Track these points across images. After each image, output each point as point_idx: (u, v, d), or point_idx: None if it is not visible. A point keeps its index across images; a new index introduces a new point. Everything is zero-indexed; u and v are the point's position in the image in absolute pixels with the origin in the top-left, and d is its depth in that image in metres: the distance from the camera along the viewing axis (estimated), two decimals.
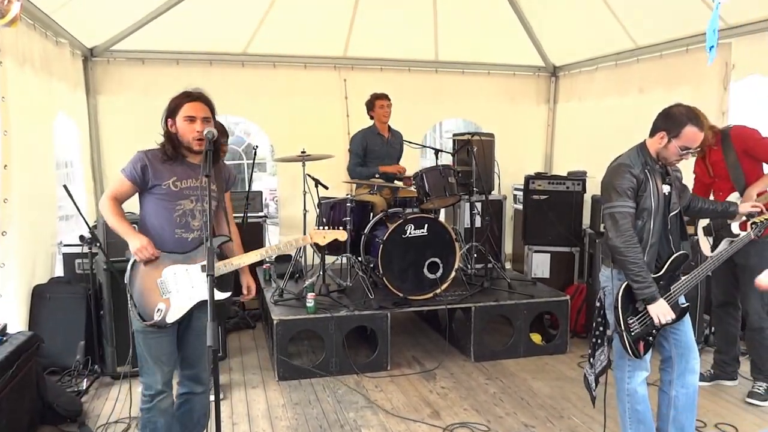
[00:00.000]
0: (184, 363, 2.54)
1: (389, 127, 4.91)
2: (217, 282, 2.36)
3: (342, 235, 2.59)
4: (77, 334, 3.75)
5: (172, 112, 2.38)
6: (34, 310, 3.71)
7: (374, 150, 4.81)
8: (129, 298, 2.41)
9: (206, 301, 2.30)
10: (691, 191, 2.88)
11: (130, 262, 2.41)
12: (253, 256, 2.47)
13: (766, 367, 3.45)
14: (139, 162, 2.37)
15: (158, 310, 2.36)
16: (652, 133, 2.54)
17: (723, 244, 3.39)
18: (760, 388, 3.45)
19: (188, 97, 2.38)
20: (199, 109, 2.37)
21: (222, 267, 2.40)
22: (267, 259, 5.29)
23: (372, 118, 4.87)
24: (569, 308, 4.37)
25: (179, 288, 2.38)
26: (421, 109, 5.86)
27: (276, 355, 3.82)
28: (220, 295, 2.39)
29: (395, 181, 4.71)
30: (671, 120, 2.46)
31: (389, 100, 4.81)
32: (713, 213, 2.93)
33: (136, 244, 2.33)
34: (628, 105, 5.23)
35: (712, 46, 2.32)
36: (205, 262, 2.32)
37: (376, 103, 4.81)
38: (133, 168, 2.37)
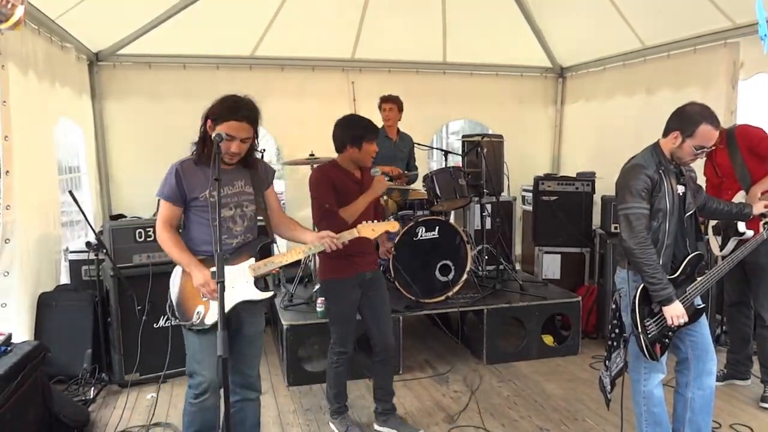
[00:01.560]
0: (235, 370, 2.48)
1: (398, 130, 4.86)
2: (257, 282, 2.36)
3: (393, 226, 2.65)
4: (84, 342, 3.69)
5: (215, 117, 2.26)
6: (39, 318, 3.66)
7: (380, 152, 4.76)
8: (168, 300, 2.40)
9: (250, 301, 2.36)
10: (705, 192, 2.84)
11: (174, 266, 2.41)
12: (295, 255, 2.42)
13: None
14: (172, 178, 2.31)
15: (197, 312, 2.34)
16: (666, 133, 2.50)
17: (730, 244, 3.36)
18: None
19: (236, 115, 2.23)
20: (242, 130, 2.25)
21: (262, 266, 2.37)
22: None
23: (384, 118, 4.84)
24: (581, 309, 4.32)
25: None
26: (429, 110, 5.83)
27: (286, 361, 3.77)
28: (261, 295, 2.38)
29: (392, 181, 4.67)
30: (685, 119, 2.42)
31: (394, 103, 4.76)
32: (728, 215, 2.88)
33: (199, 279, 2.28)
34: (635, 105, 5.20)
35: (766, 34, 2.26)
36: (249, 262, 2.35)
37: (382, 105, 4.79)
38: (168, 187, 2.32)
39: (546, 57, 6.08)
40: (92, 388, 3.57)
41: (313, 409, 3.47)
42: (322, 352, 4.34)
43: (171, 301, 2.39)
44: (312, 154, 4.26)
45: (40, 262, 3.73)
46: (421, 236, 4.06)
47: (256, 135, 2.36)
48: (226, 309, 2.30)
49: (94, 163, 4.98)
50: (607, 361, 2.66)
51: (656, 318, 2.48)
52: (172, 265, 2.44)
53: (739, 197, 3.36)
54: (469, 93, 5.98)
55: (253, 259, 2.37)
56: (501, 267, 4.60)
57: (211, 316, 2.33)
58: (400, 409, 3.45)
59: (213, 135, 2.21)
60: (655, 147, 2.53)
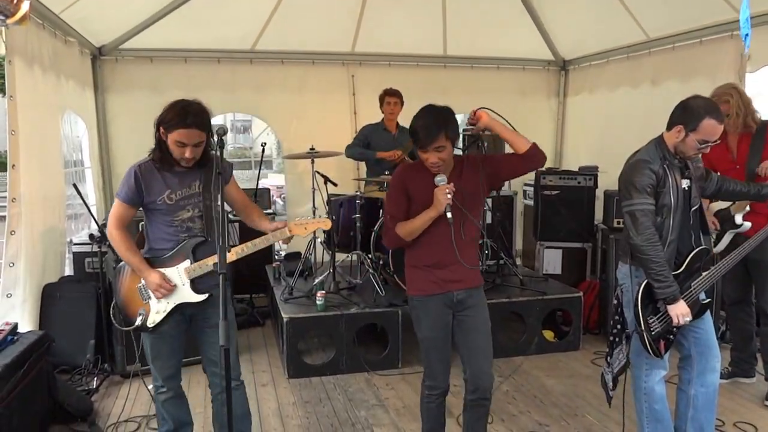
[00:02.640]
0: (209, 362, 2.53)
1: (398, 123, 4.87)
2: (193, 284, 2.40)
3: (326, 224, 2.49)
4: (87, 333, 3.74)
5: (166, 125, 2.28)
6: (44, 309, 3.71)
7: (380, 145, 4.79)
8: (114, 305, 2.47)
9: (189, 303, 2.40)
10: (717, 175, 2.75)
11: (116, 268, 2.45)
12: (230, 256, 2.39)
13: None
14: (131, 180, 2.35)
15: (140, 314, 2.41)
16: (669, 127, 2.45)
17: (726, 238, 3.32)
18: None
19: (184, 122, 2.24)
20: (192, 136, 2.26)
21: (196, 269, 2.40)
22: (276, 257, 5.28)
23: (383, 111, 4.85)
24: (582, 305, 4.32)
25: None
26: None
27: (286, 353, 3.80)
28: (196, 297, 2.41)
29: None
30: (689, 113, 2.37)
31: (397, 97, 4.78)
32: (746, 195, 2.77)
33: (155, 280, 2.35)
34: (640, 98, 5.15)
35: (747, 34, 2.26)
36: (184, 265, 2.38)
37: (384, 99, 4.80)
38: (127, 188, 2.36)
39: (548, 50, 6.04)
40: (95, 378, 3.62)
41: (313, 401, 3.50)
42: (321, 345, 4.38)
43: (116, 303, 2.45)
44: (312, 148, 4.27)
45: (45, 253, 3.78)
46: None
47: (211, 135, 2.35)
48: (166, 311, 2.40)
49: (96, 157, 5.02)
50: (609, 358, 2.64)
51: (660, 315, 2.46)
52: None
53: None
54: (470, 86, 5.94)
55: (188, 261, 2.40)
56: (501, 262, 4.60)
57: (152, 319, 2.40)
58: (399, 403, 3.47)
59: (216, 128, 2.23)
60: (659, 141, 2.48)
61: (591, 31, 5.49)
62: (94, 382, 3.59)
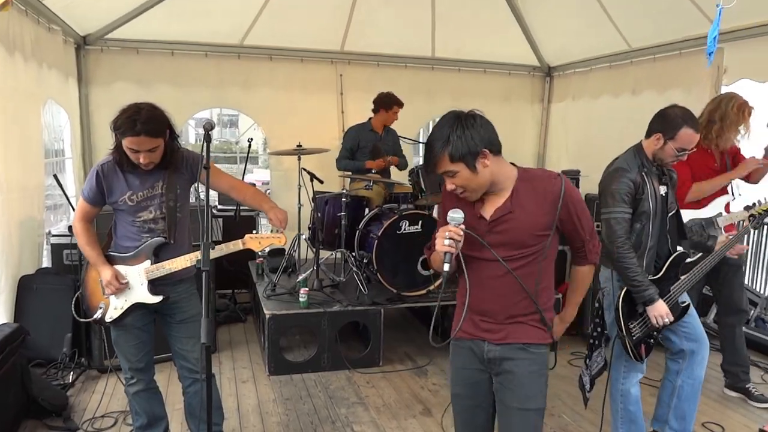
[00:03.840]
0: (178, 355, 2.55)
1: (383, 124, 4.90)
2: (151, 285, 2.41)
3: (280, 240, 2.42)
4: (64, 326, 3.67)
5: (117, 130, 2.23)
6: (20, 301, 3.64)
7: (366, 146, 4.80)
8: (78, 296, 2.50)
9: (142, 304, 2.42)
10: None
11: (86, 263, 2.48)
12: (184, 261, 2.43)
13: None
14: (93, 180, 2.35)
15: (100, 308, 2.44)
16: (648, 135, 2.54)
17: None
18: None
19: (133, 130, 2.19)
20: (143, 143, 2.22)
21: (155, 270, 2.41)
22: (260, 254, 5.25)
23: (374, 112, 4.85)
24: (561, 306, 4.36)
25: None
26: (416, 105, 5.82)
27: (267, 350, 3.79)
28: (152, 299, 2.42)
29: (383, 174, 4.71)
30: (667, 122, 2.47)
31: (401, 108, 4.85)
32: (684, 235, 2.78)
33: (107, 276, 2.37)
34: (621, 106, 5.26)
35: (711, 52, 2.35)
36: (144, 265, 2.40)
37: (394, 107, 4.80)
38: (89, 188, 2.37)
39: (534, 56, 6.13)
40: (71, 373, 3.57)
41: (293, 398, 3.50)
42: (303, 342, 4.38)
43: (80, 294, 2.50)
44: (299, 145, 4.27)
45: (22, 244, 3.71)
46: (405, 230, 4.09)
47: (171, 136, 2.33)
48: (124, 308, 2.42)
49: (78, 148, 4.94)
50: (587, 360, 2.70)
51: (640, 320, 2.53)
52: None
53: (723, 201, 3.34)
54: (456, 89, 6.00)
55: (148, 262, 2.41)
56: None
57: (110, 314, 2.43)
58: (379, 401, 3.49)
59: (204, 123, 2.19)
60: (638, 148, 2.56)
61: (576, 39, 5.59)
62: (70, 377, 3.54)
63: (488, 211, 1.78)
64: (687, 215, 3.29)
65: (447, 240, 1.68)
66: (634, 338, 2.52)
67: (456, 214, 1.71)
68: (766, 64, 4.06)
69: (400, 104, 4.80)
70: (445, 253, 1.68)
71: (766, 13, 3.82)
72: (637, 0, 4.49)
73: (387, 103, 4.79)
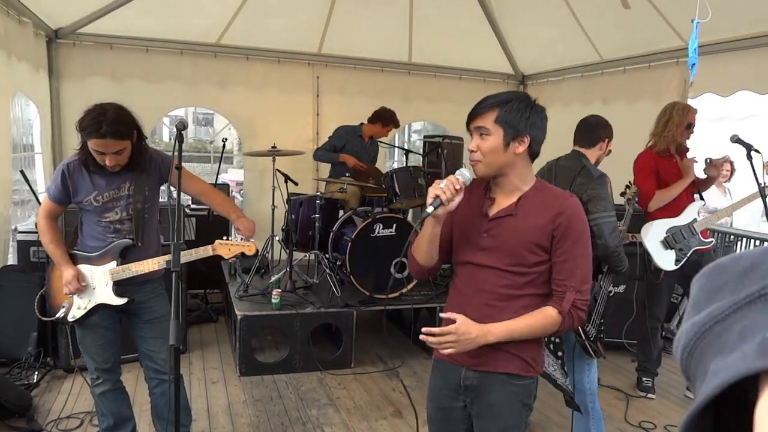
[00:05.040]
0: (144, 356, 2.54)
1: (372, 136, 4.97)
2: (116, 287, 2.40)
3: (250, 249, 2.41)
4: (30, 325, 3.59)
5: (82, 131, 2.18)
6: None
7: (352, 149, 4.84)
8: (41, 293, 2.48)
9: (108, 305, 2.41)
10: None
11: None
12: (152, 264, 2.41)
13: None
14: (58, 179, 2.32)
15: (63, 307, 2.41)
16: (594, 143, 2.76)
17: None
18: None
19: (98, 133, 2.14)
20: (108, 145, 2.18)
21: (120, 272, 2.39)
22: None
23: (370, 122, 4.89)
24: None
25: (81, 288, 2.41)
26: (392, 109, 5.90)
27: (239, 351, 3.77)
28: (116, 300, 2.41)
29: (356, 178, 4.77)
30: (605, 127, 2.78)
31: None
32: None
33: (68, 275, 2.34)
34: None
35: (694, 64, 2.46)
36: (110, 266, 2.38)
37: (390, 126, 4.87)
38: (54, 187, 2.34)
39: (509, 64, 6.25)
40: (36, 372, 3.49)
41: (264, 399, 3.49)
42: (275, 343, 4.37)
43: (44, 292, 2.47)
44: (274, 146, 4.27)
45: None
46: (379, 233, 4.13)
47: (139, 137, 2.31)
48: (87, 308, 2.41)
49: (48, 143, 4.84)
50: (564, 366, 2.73)
51: (592, 321, 2.64)
52: None
53: (697, 207, 3.50)
54: (432, 94, 6.08)
55: (114, 263, 2.40)
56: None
57: (73, 313, 2.40)
58: (349, 402, 3.51)
59: (176, 123, 2.17)
60: (585, 157, 2.73)
61: (549, 48, 5.72)
62: (35, 377, 3.47)
63: (493, 211, 1.68)
64: (665, 224, 3.45)
65: (444, 183, 1.58)
66: (591, 338, 2.64)
67: (465, 171, 1.62)
68: (729, 78, 4.23)
69: (397, 125, 4.89)
70: (436, 196, 1.56)
71: (730, 30, 3.99)
72: (609, 13, 4.63)
73: (387, 119, 4.84)
